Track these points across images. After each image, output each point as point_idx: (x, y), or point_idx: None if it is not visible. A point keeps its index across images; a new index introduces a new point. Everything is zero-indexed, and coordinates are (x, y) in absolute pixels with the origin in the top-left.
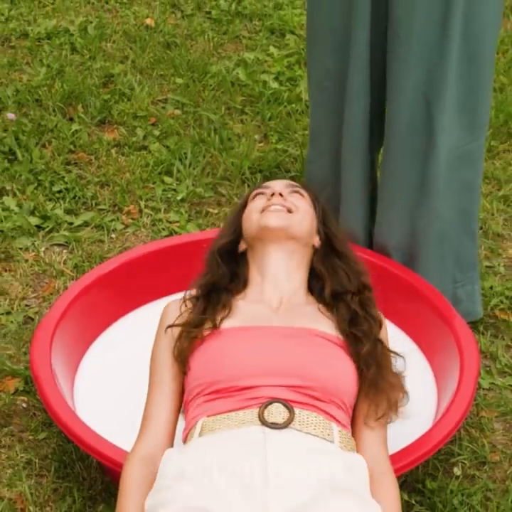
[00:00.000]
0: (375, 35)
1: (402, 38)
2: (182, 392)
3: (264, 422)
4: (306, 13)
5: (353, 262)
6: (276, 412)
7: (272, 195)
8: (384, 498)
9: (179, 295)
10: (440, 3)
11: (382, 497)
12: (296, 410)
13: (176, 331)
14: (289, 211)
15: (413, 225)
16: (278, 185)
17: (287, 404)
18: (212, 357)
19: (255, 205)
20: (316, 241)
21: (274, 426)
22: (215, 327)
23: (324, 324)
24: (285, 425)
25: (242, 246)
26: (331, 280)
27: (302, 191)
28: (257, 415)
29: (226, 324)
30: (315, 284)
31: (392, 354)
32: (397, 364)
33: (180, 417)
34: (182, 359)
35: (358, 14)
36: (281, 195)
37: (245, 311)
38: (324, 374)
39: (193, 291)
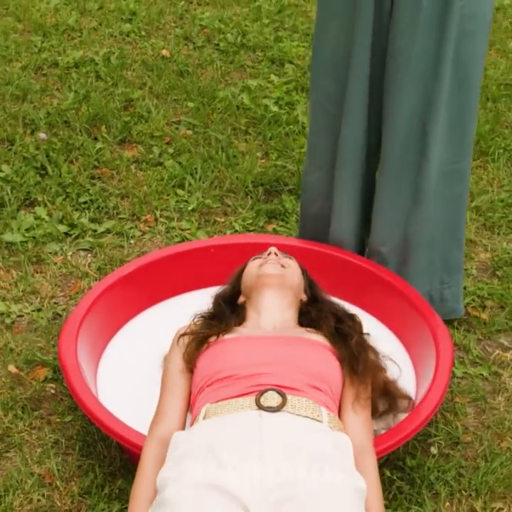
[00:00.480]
0: (374, 63)
1: (401, 64)
2: (189, 395)
3: (260, 407)
4: (303, 45)
5: (335, 304)
6: (271, 398)
7: (269, 254)
8: (366, 471)
9: (190, 294)
10: (436, 35)
11: (363, 469)
12: (288, 396)
13: (187, 340)
14: (283, 266)
15: (406, 231)
16: (272, 249)
17: (280, 392)
18: (216, 355)
19: (254, 264)
20: (304, 297)
21: (269, 409)
22: (218, 336)
23: (312, 335)
24: (279, 408)
25: (241, 299)
26: (316, 312)
27: (291, 257)
28: (255, 401)
29: (227, 336)
30: (303, 320)
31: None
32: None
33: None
34: (190, 360)
35: (359, 49)
36: (276, 254)
37: (244, 331)
38: (311, 365)
39: (201, 314)
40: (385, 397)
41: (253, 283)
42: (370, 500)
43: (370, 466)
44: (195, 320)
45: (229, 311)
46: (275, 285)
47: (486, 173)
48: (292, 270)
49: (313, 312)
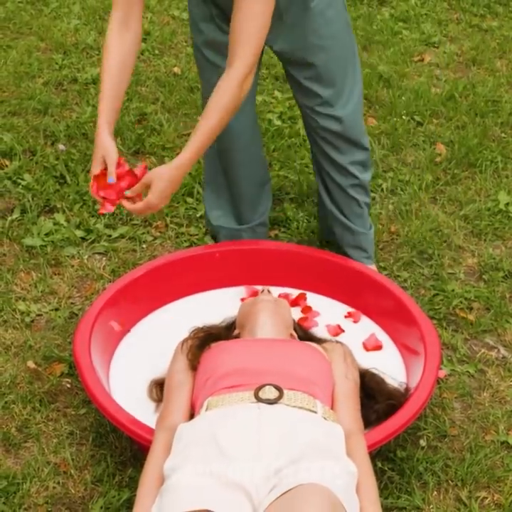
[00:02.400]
0: None
1: None
2: (191, 395)
3: (259, 399)
4: None
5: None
6: (269, 392)
7: (262, 291)
8: (354, 452)
9: (198, 296)
10: None
11: (352, 451)
12: (285, 390)
13: (190, 342)
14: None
15: None
16: (266, 288)
17: (278, 386)
18: (217, 354)
19: (249, 298)
20: (294, 334)
21: (267, 401)
22: (220, 339)
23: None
24: (276, 401)
25: (236, 332)
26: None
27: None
28: (253, 394)
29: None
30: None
31: None
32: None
33: None
34: (194, 358)
35: None
36: (269, 291)
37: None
38: (306, 364)
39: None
40: (378, 394)
41: (248, 310)
42: (361, 479)
43: (357, 447)
44: (195, 332)
45: (225, 333)
46: (269, 309)
47: (474, 184)
48: (284, 304)
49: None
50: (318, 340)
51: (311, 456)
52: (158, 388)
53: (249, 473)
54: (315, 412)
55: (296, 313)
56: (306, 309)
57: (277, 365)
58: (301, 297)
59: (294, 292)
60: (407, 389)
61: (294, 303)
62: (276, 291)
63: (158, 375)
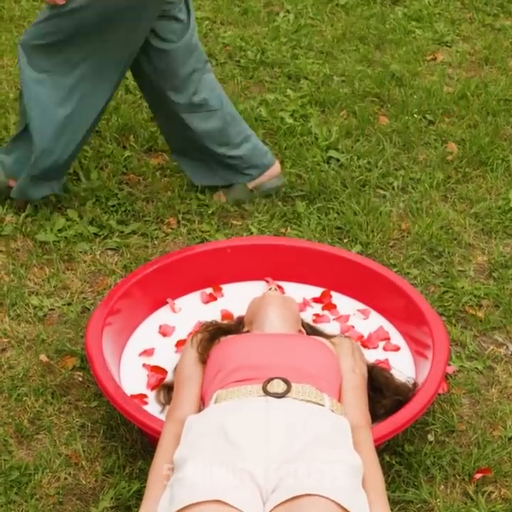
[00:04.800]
0: None
1: None
2: (201, 388)
3: (267, 393)
4: (317, 62)
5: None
6: (277, 385)
7: (270, 288)
8: (360, 445)
9: (207, 291)
10: None
11: (360, 448)
12: (293, 384)
13: (200, 336)
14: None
15: None
16: (273, 285)
17: (286, 380)
18: (226, 348)
19: (257, 296)
20: (302, 329)
21: (275, 395)
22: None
23: (313, 337)
24: (284, 394)
25: (245, 329)
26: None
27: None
28: (262, 388)
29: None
30: None
31: None
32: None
33: None
34: (203, 351)
35: None
36: (276, 289)
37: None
38: (315, 358)
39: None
40: (385, 388)
41: (257, 304)
42: (367, 472)
43: (364, 441)
44: (205, 326)
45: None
46: (278, 303)
47: (485, 182)
48: (292, 299)
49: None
50: (327, 336)
51: (317, 448)
52: (166, 392)
53: (257, 463)
54: (322, 405)
55: (313, 311)
56: (330, 306)
57: (286, 359)
58: (326, 295)
59: (304, 287)
60: (414, 384)
61: (318, 300)
62: (287, 285)
63: (168, 378)
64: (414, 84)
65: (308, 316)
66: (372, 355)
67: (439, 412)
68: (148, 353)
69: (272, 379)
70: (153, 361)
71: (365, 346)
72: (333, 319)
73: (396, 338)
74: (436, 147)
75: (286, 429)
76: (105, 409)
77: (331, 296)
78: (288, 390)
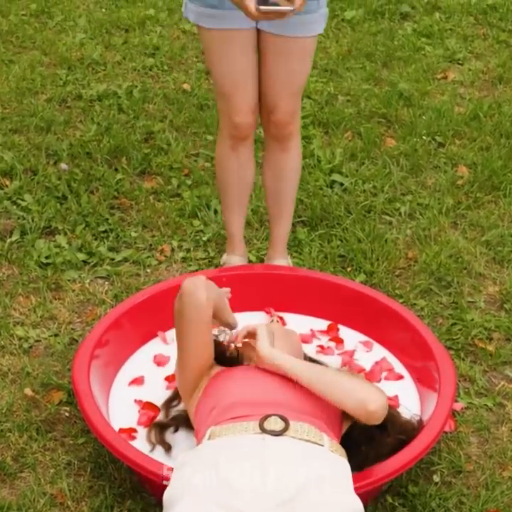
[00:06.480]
0: None
1: None
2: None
3: (264, 430)
4: (321, 81)
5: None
6: (274, 423)
7: (272, 320)
8: None
9: None
10: None
11: None
12: (291, 422)
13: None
14: None
15: None
16: (275, 317)
17: (283, 417)
18: (223, 381)
19: None
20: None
21: (272, 433)
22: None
23: None
24: (281, 432)
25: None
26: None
27: None
28: (258, 425)
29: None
30: None
31: None
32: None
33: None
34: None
35: None
36: (278, 321)
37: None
38: (313, 396)
39: None
40: (390, 426)
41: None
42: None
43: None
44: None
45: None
46: (279, 336)
47: (498, 208)
48: (293, 332)
49: None
50: None
51: (315, 489)
52: (157, 431)
53: (253, 504)
54: (322, 445)
55: (319, 342)
56: (337, 340)
57: (284, 396)
58: (333, 328)
59: (308, 319)
60: (420, 422)
61: (325, 333)
62: (289, 317)
63: (159, 417)
64: (424, 104)
65: (313, 348)
66: None
67: (445, 451)
68: (138, 381)
69: (269, 416)
70: (143, 391)
71: (368, 380)
72: (338, 354)
73: (400, 370)
74: (446, 171)
75: (283, 469)
76: (93, 447)
77: (338, 329)
78: (286, 428)
